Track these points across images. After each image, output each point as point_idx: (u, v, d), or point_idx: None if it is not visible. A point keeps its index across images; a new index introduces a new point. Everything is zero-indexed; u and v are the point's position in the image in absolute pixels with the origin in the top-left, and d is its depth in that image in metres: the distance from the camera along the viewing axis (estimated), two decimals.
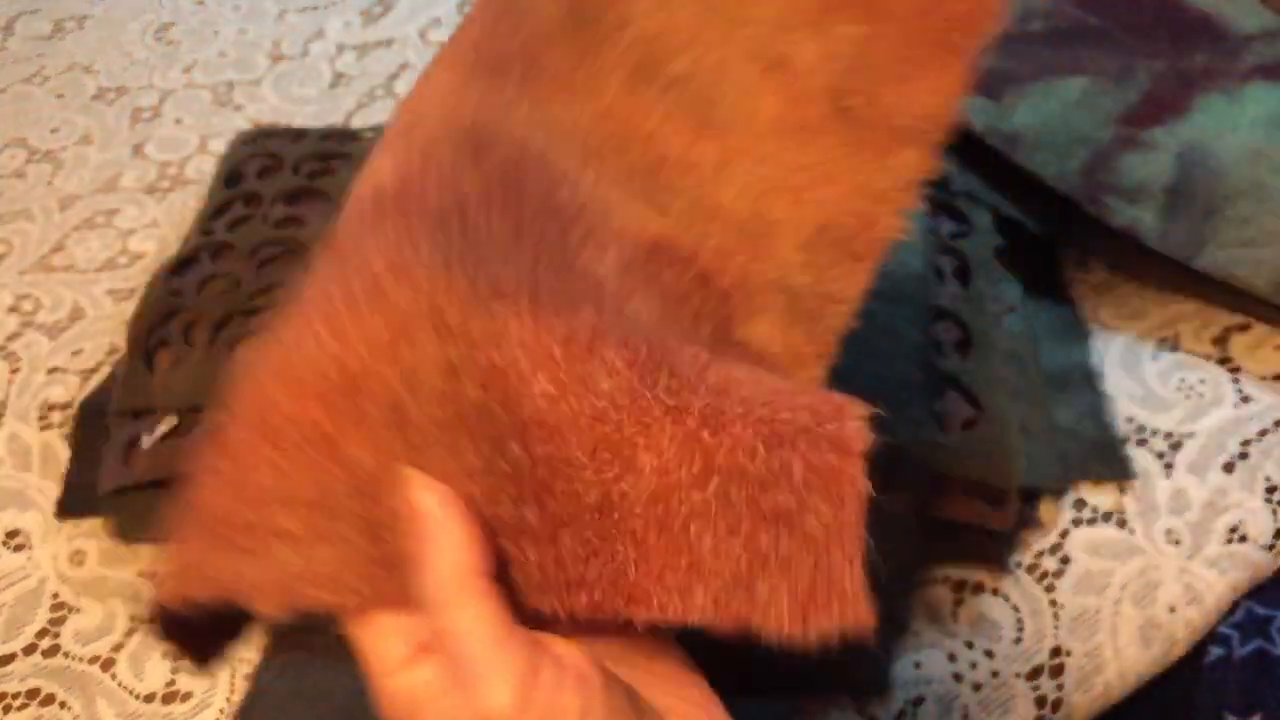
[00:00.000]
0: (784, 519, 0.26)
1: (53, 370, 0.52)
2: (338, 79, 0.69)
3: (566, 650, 0.25)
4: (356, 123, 0.65)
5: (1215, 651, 0.41)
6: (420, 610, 0.25)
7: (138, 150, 0.64)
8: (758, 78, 0.35)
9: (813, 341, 0.33)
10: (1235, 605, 0.42)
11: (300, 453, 0.27)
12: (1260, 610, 0.41)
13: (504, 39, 0.34)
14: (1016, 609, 0.43)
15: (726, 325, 0.33)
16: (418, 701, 0.24)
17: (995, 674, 0.41)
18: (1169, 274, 0.51)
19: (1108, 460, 0.46)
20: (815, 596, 0.26)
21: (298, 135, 0.60)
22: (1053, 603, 0.43)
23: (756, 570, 0.26)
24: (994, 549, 0.44)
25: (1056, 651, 0.41)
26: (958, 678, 0.41)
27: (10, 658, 0.43)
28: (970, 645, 0.42)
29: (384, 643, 0.25)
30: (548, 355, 0.27)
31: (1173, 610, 0.42)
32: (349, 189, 0.57)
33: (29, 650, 0.43)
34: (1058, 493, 0.45)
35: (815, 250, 0.33)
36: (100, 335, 0.54)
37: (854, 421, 0.27)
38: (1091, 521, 0.45)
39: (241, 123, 0.66)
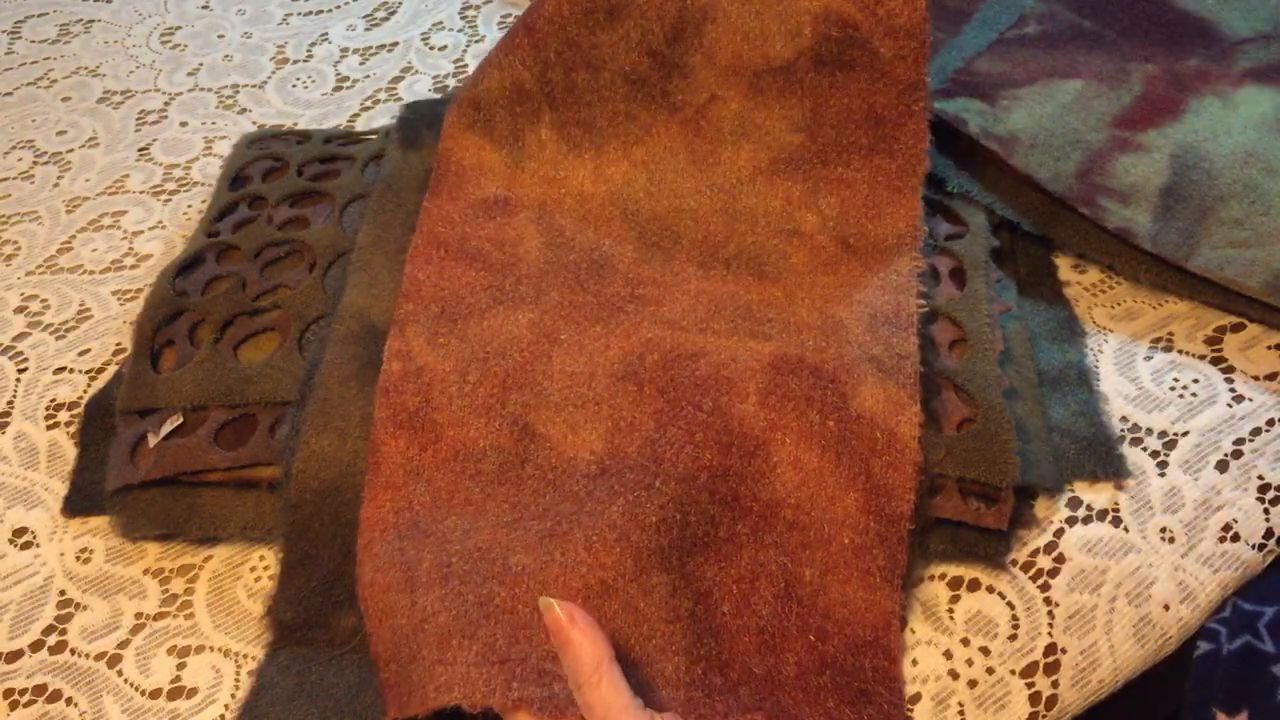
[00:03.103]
0: None
1: (60, 370, 0.53)
2: (341, 82, 0.69)
3: (671, 715, 0.35)
4: (360, 125, 0.66)
5: (1204, 646, 0.41)
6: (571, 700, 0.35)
7: (144, 153, 0.65)
8: (784, 244, 0.50)
9: (903, 389, 0.44)
10: (1224, 602, 0.43)
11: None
12: (1247, 607, 0.41)
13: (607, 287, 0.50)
14: (1012, 606, 0.43)
15: (844, 404, 0.43)
16: None
17: (991, 671, 0.41)
18: (1163, 275, 0.52)
19: (1102, 459, 0.46)
20: None
21: (302, 137, 0.61)
22: (1048, 600, 0.43)
23: None
24: (989, 547, 0.44)
25: (1052, 649, 0.42)
26: (954, 675, 0.41)
27: (17, 654, 0.43)
28: (966, 642, 0.42)
29: None
30: None
31: (1166, 608, 0.42)
32: (351, 190, 0.60)
33: (36, 647, 0.44)
34: (1053, 491, 0.46)
35: (875, 329, 0.46)
36: (107, 335, 0.54)
37: None
38: (1086, 520, 0.45)
39: (246, 125, 0.66)
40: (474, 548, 0.40)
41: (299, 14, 0.75)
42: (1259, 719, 0.38)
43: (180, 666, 0.43)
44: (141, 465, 0.45)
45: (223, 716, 0.41)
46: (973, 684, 0.41)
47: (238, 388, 0.46)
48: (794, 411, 0.43)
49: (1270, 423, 0.47)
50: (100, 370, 0.53)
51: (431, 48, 0.72)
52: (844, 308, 0.47)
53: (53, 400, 0.52)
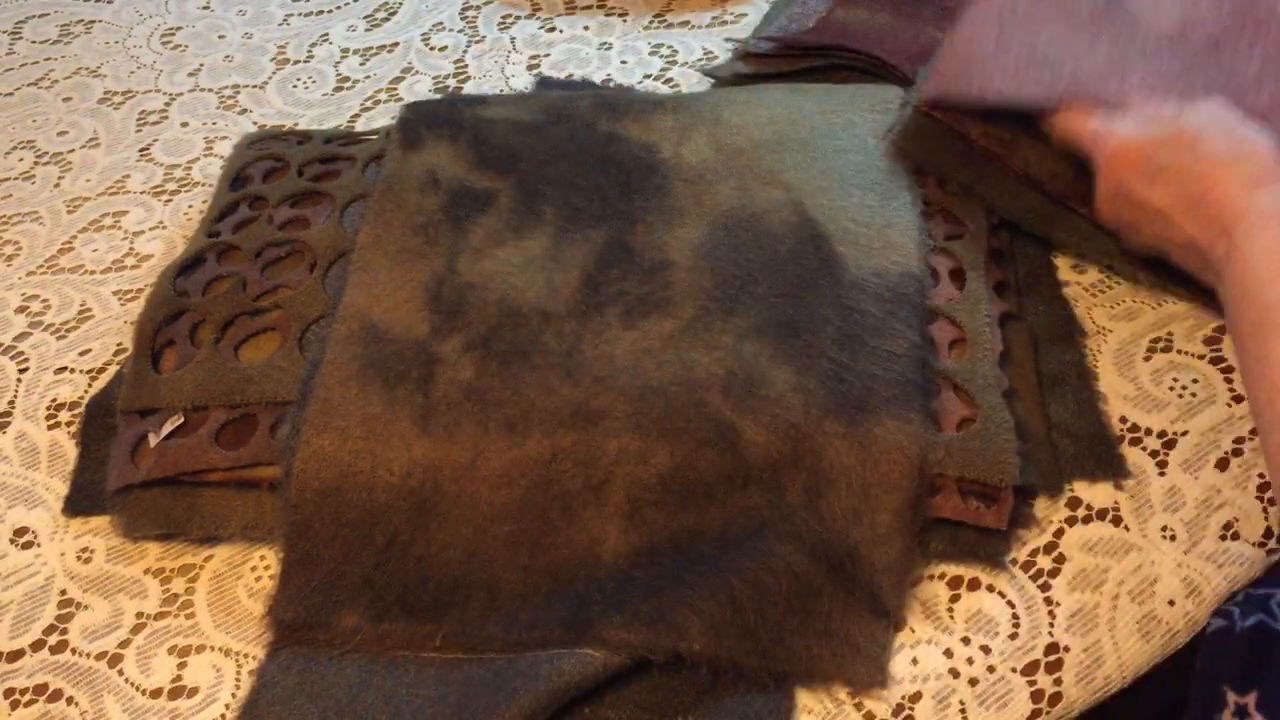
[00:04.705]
0: None
1: (61, 370, 0.53)
2: (342, 82, 0.69)
3: None
4: (360, 125, 0.66)
5: (1217, 623, 0.41)
6: None
7: (144, 153, 0.65)
8: None
9: None
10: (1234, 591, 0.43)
11: None
12: (1258, 590, 0.41)
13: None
14: (1012, 605, 0.43)
15: None
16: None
17: (992, 669, 0.41)
18: (1162, 275, 0.51)
19: (1102, 459, 0.46)
20: None
21: (302, 138, 0.61)
22: (1048, 600, 0.43)
23: None
24: (989, 546, 0.44)
25: (1053, 648, 0.42)
26: (954, 673, 0.41)
27: (19, 654, 0.43)
28: (967, 641, 0.42)
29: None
30: None
31: (1172, 604, 0.43)
32: (352, 190, 0.60)
33: (37, 646, 0.44)
34: (1052, 491, 0.46)
35: None
36: (108, 335, 0.54)
37: None
38: (1086, 519, 0.45)
39: (247, 126, 0.66)
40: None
41: (299, 14, 0.75)
42: (1269, 700, 0.37)
43: (181, 666, 0.43)
44: (142, 465, 0.45)
45: (223, 716, 0.41)
46: (974, 682, 0.41)
47: (238, 388, 0.47)
48: None
49: None
50: (101, 370, 0.53)
51: (432, 48, 0.72)
52: None
53: (54, 400, 0.52)
